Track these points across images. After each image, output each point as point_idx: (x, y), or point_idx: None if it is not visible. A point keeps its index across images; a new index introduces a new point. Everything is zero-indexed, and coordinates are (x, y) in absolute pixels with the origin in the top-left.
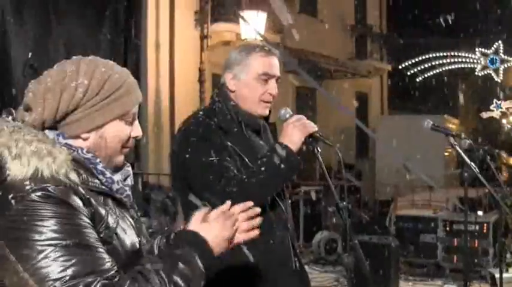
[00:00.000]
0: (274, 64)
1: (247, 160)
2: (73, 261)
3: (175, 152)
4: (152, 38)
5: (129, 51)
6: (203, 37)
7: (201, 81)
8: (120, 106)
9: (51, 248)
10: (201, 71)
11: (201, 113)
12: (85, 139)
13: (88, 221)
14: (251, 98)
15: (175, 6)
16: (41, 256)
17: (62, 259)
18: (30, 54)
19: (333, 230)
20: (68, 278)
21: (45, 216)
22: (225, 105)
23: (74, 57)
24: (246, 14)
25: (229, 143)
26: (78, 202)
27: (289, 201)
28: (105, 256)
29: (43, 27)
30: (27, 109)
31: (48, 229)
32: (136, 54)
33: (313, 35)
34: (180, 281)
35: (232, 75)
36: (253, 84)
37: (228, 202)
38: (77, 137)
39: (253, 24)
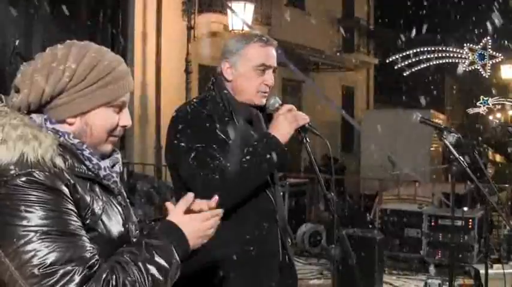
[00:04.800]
0: (271, 55)
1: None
2: (54, 248)
3: (167, 139)
4: (139, 28)
5: (116, 41)
6: (190, 28)
7: (187, 71)
8: (107, 93)
9: (33, 234)
10: (187, 62)
11: (194, 100)
12: (71, 124)
13: (72, 208)
14: (248, 88)
15: None
16: (22, 241)
17: (43, 245)
18: (17, 42)
19: (317, 223)
20: (47, 264)
21: (28, 201)
22: (218, 93)
23: (68, 41)
24: (234, 5)
25: (218, 132)
26: (63, 188)
27: (281, 193)
28: (87, 244)
29: (31, 14)
30: (17, 90)
31: (31, 214)
32: (123, 44)
33: (301, 27)
34: (156, 273)
35: (229, 64)
36: (250, 75)
37: (191, 194)
38: (63, 121)
39: (240, 15)
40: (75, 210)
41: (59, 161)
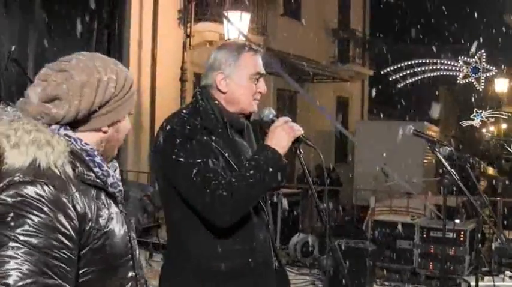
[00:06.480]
0: (261, 62)
1: (231, 161)
2: (18, 269)
3: (158, 151)
4: (135, 36)
5: (111, 49)
6: (186, 36)
7: (182, 80)
8: (133, 102)
9: (10, 248)
10: (183, 70)
11: (184, 111)
12: (105, 132)
13: (67, 231)
14: (245, 98)
15: (159, 4)
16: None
17: (10, 261)
18: (13, 48)
19: (310, 233)
20: (2, 282)
21: (22, 211)
22: (208, 104)
23: (84, 52)
24: (230, 14)
25: (213, 144)
26: (66, 204)
27: (269, 202)
28: (58, 281)
29: (26, 21)
30: (53, 100)
31: (17, 223)
32: (119, 51)
33: (296, 38)
34: None
35: (223, 75)
36: (247, 85)
37: None
38: (98, 130)
39: (236, 24)
40: (71, 232)
41: (68, 169)
